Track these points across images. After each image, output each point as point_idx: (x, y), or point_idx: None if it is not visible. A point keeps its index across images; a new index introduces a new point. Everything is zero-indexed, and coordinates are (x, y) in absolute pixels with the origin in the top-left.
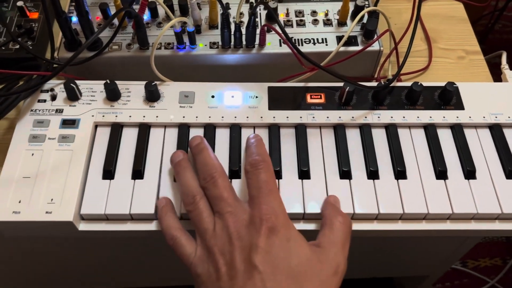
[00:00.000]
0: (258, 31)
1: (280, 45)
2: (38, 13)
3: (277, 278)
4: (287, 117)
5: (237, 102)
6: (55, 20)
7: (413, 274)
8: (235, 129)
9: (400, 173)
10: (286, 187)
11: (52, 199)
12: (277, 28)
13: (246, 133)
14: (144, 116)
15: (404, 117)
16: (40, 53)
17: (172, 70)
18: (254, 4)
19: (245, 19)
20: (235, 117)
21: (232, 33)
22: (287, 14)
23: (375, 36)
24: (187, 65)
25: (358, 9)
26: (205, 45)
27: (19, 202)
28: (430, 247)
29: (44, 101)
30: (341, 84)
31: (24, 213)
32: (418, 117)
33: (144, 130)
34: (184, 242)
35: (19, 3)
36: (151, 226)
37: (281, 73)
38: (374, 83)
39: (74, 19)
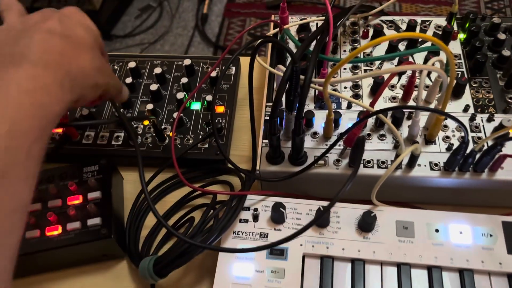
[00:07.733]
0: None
1: None
2: (224, 106)
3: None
4: None
5: (466, 239)
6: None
7: None
8: (468, 275)
9: None
10: None
11: None
12: None
13: (478, 281)
14: (359, 250)
15: None
16: (227, 154)
17: (381, 189)
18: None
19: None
20: (467, 260)
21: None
22: None
23: None
24: (400, 186)
25: None
26: (424, 166)
27: None
28: None
29: (246, 221)
30: None
31: None
32: None
33: (359, 267)
34: None
35: (208, 97)
36: None
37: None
38: None
39: None
